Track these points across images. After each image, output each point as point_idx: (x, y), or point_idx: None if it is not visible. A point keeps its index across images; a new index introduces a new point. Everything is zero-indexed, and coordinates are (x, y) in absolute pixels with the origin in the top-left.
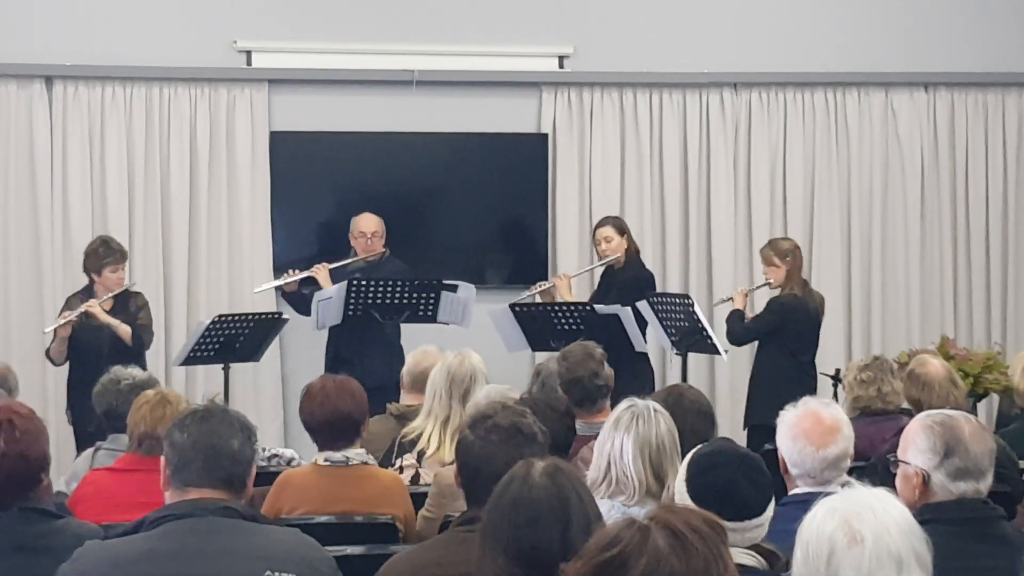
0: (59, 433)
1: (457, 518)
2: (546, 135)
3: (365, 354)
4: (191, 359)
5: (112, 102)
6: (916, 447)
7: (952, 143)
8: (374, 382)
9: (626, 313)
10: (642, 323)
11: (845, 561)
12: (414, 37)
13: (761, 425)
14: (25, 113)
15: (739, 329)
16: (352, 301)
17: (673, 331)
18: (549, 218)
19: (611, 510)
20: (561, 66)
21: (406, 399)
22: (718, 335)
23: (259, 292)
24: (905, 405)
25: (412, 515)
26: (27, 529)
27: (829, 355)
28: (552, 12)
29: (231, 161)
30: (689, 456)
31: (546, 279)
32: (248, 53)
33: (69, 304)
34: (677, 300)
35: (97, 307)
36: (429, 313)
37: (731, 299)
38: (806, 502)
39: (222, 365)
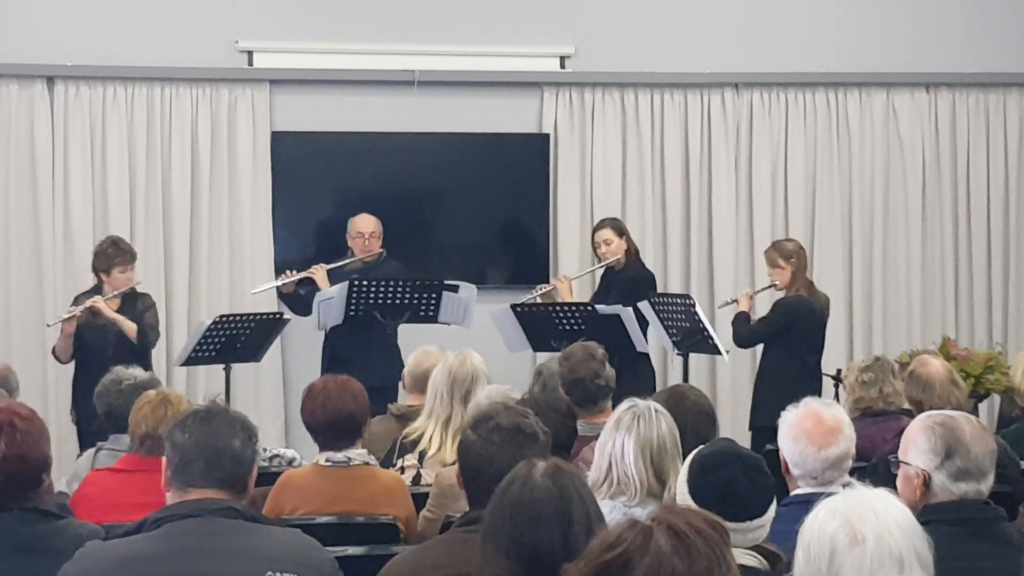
0: (60, 433)
1: (459, 519)
2: (547, 135)
3: (362, 354)
4: (192, 359)
5: (113, 102)
6: (917, 448)
7: (953, 143)
8: (371, 382)
9: (627, 313)
10: (643, 323)
11: (847, 561)
12: (415, 37)
13: (766, 427)
14: (26, 113)
15: (745, 331)
16: (353, 301)
17: (674, 331)
18: (550, 218)
19: (612, 511)
20: (562, 66)
21: (407, 399)
22: (720, 336)
23: (257, 293)
24: (906, 406)
25: (413, 516)
26: (28, 530)
27: (830, 355)
28: (553, 12)
29: (232, 161)
30: (690, 457)
31: (547, 279)
32: (249, 53)
33: (77, 303)
34: (678, 300)
35: (103, 303)
36: (430, 313)
37: (735, 302)
38: (807, 503)
39: (223, 365)
